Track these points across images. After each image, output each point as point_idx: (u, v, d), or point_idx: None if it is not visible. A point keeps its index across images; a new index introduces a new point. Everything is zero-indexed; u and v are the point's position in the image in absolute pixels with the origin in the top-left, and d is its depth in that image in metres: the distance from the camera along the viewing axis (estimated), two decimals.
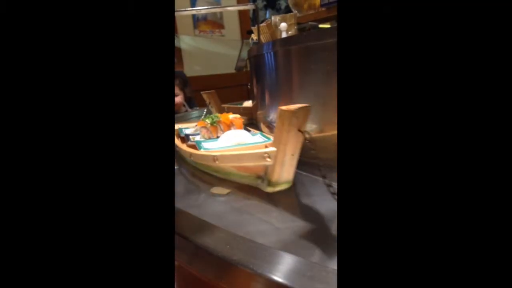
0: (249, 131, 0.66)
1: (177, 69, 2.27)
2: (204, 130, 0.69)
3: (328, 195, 0.35)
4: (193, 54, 2.49)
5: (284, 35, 0.79)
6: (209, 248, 0.31)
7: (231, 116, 0.71)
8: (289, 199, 0.44)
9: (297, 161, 0.45)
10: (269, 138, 0.60)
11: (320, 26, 0.92)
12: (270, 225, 0.37)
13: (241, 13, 2.66)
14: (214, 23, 2.60)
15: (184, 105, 1.81)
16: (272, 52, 0.62)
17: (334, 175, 0.27)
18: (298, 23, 0.88)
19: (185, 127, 0.79)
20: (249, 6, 0.94)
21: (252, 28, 0.98)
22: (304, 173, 0.51)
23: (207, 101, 1.00)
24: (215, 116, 0.70)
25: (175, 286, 0.39)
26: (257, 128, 0.74)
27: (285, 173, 0.45)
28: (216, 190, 0.49)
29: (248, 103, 1.11)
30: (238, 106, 1.04)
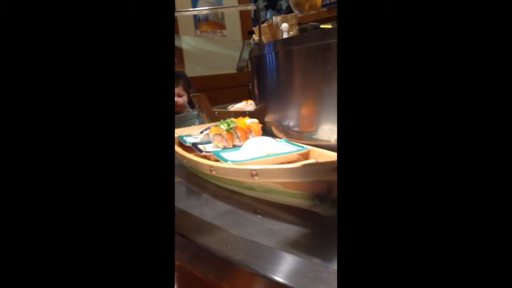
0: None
1: (178, 69, 2.27)
2: (218, 138, 0.58)
3: None
4: (195, 55, 2.49)
5: (285, 35, 0.79)
6: (210, 248, 0.31)
7: (248, 120, 0.61)
8: None
9: None
10: (301, 146, 0.51)
11: (322, 26, 0.92)
12: (271, 225, 0.37)
13: (242, 13, 2.66)
14: (215, 23, 2.60)
15: (186, 106, 1.81)
16: (273, 53, 0.62)
17: None
18: (299, 24, 0.88)
19: (187, 135, 0.68)
20: (250, 7, 0.94)
21: (254, 28, 0.98)
22: None
23: (196, 105, 0.90)
24: (231, 121, 0.59)
25: (177, 286, 0.39)
26: (265, 132, 0.74)
27: None
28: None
29: (239, 106, 1.04)
30: (229, 110, 0.95)
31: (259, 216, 0.39)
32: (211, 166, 0.48)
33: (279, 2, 2.74)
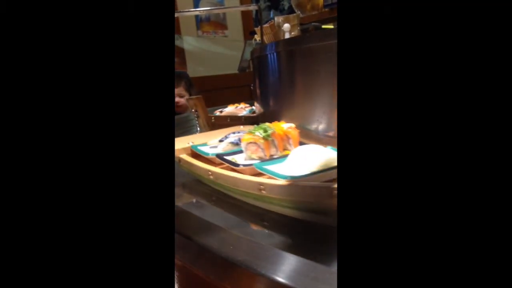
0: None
1: (180, 69, 2.27)
2: (253, 148, 0.48)
3: None
4: (196, 55, 2.49)
5: (287, 35, 0.79)
6: (213, 248, 0.31)
7: (285, 125, 0.51)
8: None
9: None
10: None
11: (323, 26, 0.92)
12: (273, 225, 0.37)
13: (244, 14, 2.66)
14: (217, 24, 2.60)
15: (188, 106, 1.81)
16: (275, 53, 0.62)
17: None
18: (301, 24, 0.88)
19: (201, 144, 0.56)
20: (252, 7, 0.95)
21: (255, 29, 0.98)
22: None
23: (193, 109, 0.75)
24: (267, 127, 0.49)
25: (179, 286, 0.40)
26: None
27: None
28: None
29: (228, 110, 0.94)
30: (224, 115, 0.87)
31: (262, 220, 0.39)
32: (261, 184, 0.38)
33: (281, 3, 2.74)
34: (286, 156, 0.44)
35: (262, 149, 0.48)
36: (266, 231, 0.36)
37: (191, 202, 0.47)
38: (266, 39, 0.83)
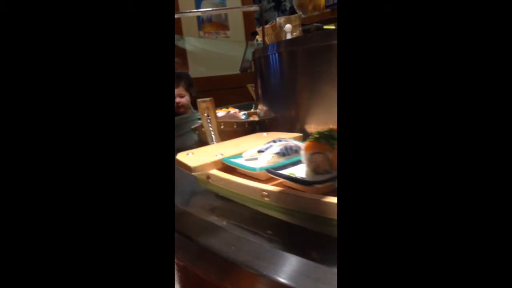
0: None
1: (182, 70, 2.28)
2: (319, 159, 0.36)
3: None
4: (198, 55, 2.50)
5: (289, 36, 0.79)
6: (214, 249, 0.31)
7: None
8: None
9: None
10: None
11: (325, 27, 0.92)
12: (274, 226, 0.37)
13: (245, 14, 2.67)
14: (218, 24, 2.61)
15: (190, 107, 1.82)
16: (276, 54, 0.62)
17: None
18: (303, 24, 0.88)
19: (234, 155, 0.46)
20: (254, 8, 0.95)
21: (257, 29, 0.98)
22: None
23: (204, 113, 0.62)
24: (334, 133, 0.37)
25: (180, 287, 0.40)
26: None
27: None
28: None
29: (220, 115, 0.82)
30: (231, 121, 0.79)
31: (262, 218, 0.39)
32: None
33: (283, 3, 2.74)
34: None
35: (329, 161, 0.36)
36: (267, 231, 0.36)
37: (192, 202, 0.48)
38: (267, 39, 0.83)
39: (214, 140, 0.62)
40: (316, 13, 1.01)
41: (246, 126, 0.75)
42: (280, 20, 0.84)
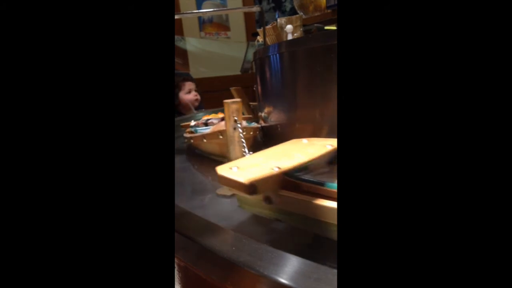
0: None
1: (183, 71, 2.28)
2: None
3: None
4: (199, 56, 2.50)
5: (289, 37, 0.79)
6: (214, 249, 0.31)
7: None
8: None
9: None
10: None
11: (326, 28, 0.92)
12: (276, 226, 0.37)
13: (246, 15, 2.67)
14: (219, 25, 2.61)
15: (190, 107, 1.82)
16: (277, 54, 0.62)
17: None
18: (304, 25, 0.88)
19: (294, 169, 0.36)
20: (255, 8, 0.95)
21: (258, 30, 0.98)
22: None
23: (232, 116, 0.51)
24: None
25: (181, 287, 0.40)
26: (267, 134, 0.74)
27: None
28: (221, 191, 0.49)
29: (212, 120, 0.77)
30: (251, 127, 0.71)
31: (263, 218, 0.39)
32: None
33: (284, 4, 2.74)
34: None
35: None
36: (268, 232, 0.36)
37: (193, 203, 0.48)
38: (268, 40, 0.83)
39: (246, 150, 0.51)
40: (317, 13, 1.01)
41: (252, 133, 0.68)
42: (281, 20, 0.84)
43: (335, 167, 0.36)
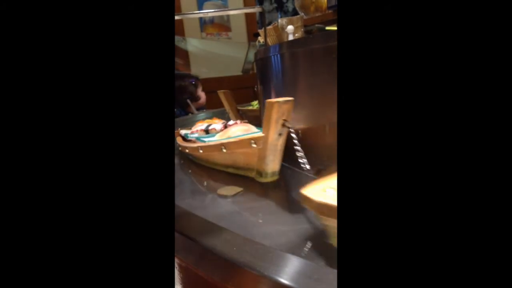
0: None
1: (184, 71, 2.28)
2: None
3: None
4: (200, 57, 2.50)
5: (290, 37, 0.79)
6: (216, 250, 0.31)
7: None
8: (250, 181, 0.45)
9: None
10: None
11: (327, 28, 0.92)
12: (277, 227, 0.37)
13: (247, 16, 2.67)
14: (221, 25, 2.61)
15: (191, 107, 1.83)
16: (278, 55, 0.62)
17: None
18: (305, 26, 0.88)
19: None
20: (256, 9, 0.95)
21: (259, 30, 0.98)
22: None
23: (282, 118, 0.46)
24: None
25: (182, 287, 0.40)
26: None
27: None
28: (223, 191, 0.49)
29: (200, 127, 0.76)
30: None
31: (263, 218, 0.39)
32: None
33: (285, 4, 2.74)
34: None
35: None
36: (269, 232, 0.36)
37: (194, 203, 0.48)
38: (269, 41, 0.83)
39: (305, 163, 0.40)
40: (318, 14, 1.01)
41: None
42: (282, 21, 0.84)
43: None
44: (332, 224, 0.28)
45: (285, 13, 2.75)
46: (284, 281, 0.25)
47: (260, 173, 0.48)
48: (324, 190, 0.31)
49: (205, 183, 0.57)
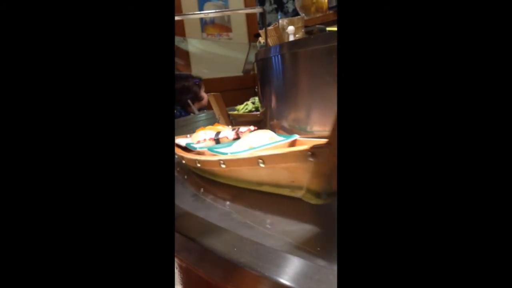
0: None
1: (185, 72, 2.29)
2: None
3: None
4: (201, 57, 2.51)
5: (291, 38, 0.79)
6: (216, 250, 0.31)
7: None
8: (298, 202, 0.42)
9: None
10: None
11: (328, 29, 0.92)
12: (277, 227, 0.37)
13: (248, 16, 2.68)
14: (221, 26, 2.62)
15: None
16: (279, 55, 0.62)
17: None
18: (306, 26, 0.89)
19: None
20: (257, 9, 0.95)
21: (260, 31, 0.98)
22: None
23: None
24: None
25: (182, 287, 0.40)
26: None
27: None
28: None
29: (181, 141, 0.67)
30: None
31: (263, 217, 0.39)
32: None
33: (286, 5, 2.75)
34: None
35: None
36: (270, 233, 0.36)
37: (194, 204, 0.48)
38: (270, 41, 0.83)
39: None
40: (319, 15, 1.01)
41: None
42: (283, 22, 0.84)
43: None
44: None
45: (285, 13, 2.75)
46: (284, 281, 0.25)
47: (315, 193, 0.37)
48: None
49: (238, 211, 0.41)
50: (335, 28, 0.96)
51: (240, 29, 2.68)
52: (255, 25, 2.70)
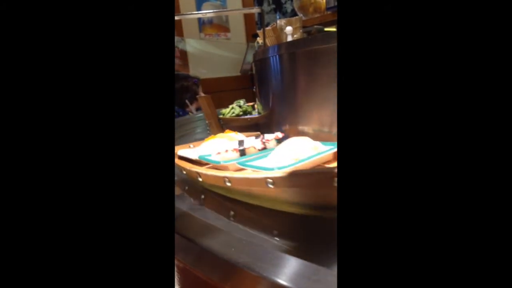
0: None
1: (183, 71, 2.29)
2: None
3: None
4: (199, 57, 2.51)
5: (289, 38, 0.80)
6: (214, 250, 0.31)
7: None
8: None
9: None
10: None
11: (326, 29, 0.92)
12: (275, 227, 0.37)
13: (246, 16, 2.68)
14: (219, 26, 2.62)
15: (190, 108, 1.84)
16: (277, 56, 0.63)
17: None
18: (304, 27, 0.89)
19: None
20: (255, 10, 0.95)
21: (258, 31, 0.98)
22: None
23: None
24: None
25: None
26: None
27: None
28: None
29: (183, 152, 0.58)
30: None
31: (263, 217, 0.39)
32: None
33: (284, 5, 2.75)
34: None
35: None
36: (268, 233, 0.36)
37: (194, 205, 0.47)
38: (268, 41, 0.83)
39: None
40: (317, 15, 1.01)
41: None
42: (281, 22, 0.84)
43: None
44: None
45: (283, 14, 2.75)
46: (282, 281, 0.25)
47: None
48: None
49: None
50: (333, 29, 0.96)
51: (238, 29, 2.68)
52: (253, 25, 2.70)
